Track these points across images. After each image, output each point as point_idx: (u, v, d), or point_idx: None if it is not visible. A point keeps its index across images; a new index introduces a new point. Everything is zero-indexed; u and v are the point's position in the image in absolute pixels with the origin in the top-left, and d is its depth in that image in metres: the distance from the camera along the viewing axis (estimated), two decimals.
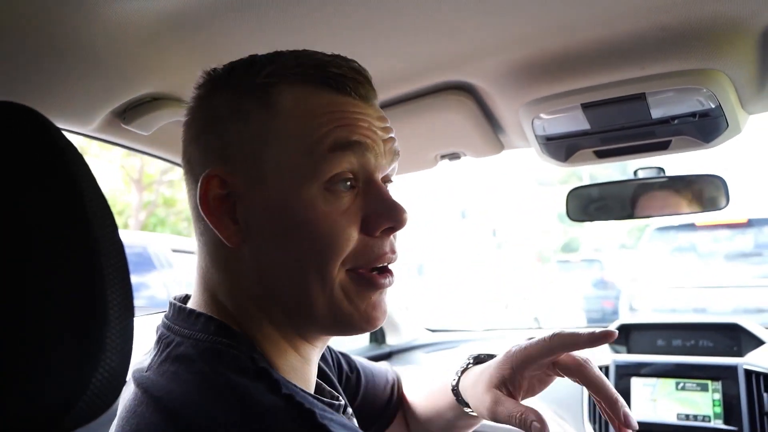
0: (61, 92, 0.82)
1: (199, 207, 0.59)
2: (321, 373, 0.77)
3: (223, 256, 0.61)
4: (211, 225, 0.59)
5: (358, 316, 0.60)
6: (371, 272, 0.61)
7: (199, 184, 0.59)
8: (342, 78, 0.60)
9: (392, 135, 0.64)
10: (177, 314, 0.62)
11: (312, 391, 0.66)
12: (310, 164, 0.58)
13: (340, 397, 0.70)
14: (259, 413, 0.51)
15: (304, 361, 0.64)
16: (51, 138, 0.45)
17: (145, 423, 0.52)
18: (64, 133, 0.49)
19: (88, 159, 0.49)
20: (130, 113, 0.90)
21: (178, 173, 9.92)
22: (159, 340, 0.61)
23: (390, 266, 0.63)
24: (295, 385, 0.57)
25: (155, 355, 0.59)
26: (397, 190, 0.68)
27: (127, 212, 10.54)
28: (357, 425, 0.65)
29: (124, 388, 0.57)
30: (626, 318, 1.72)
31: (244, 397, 0.52)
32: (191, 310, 0.61)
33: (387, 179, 0.65)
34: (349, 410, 0.74)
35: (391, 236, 0.62)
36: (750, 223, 5.87)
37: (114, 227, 0.47)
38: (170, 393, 0.53)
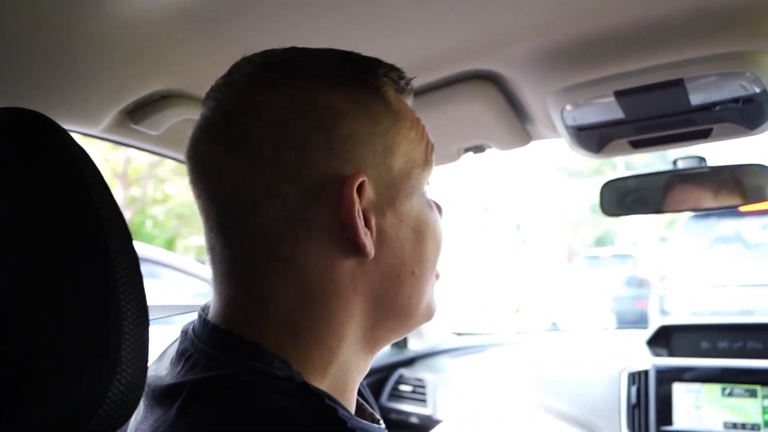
0: (69, 93, 0.82)
1: (345, 221, 0.52)
2: (362, 396, 0.75)
3: (335, 274, 0.54)
4: (357, 239, 0.53)
5: (434, 307, 0.66)
6: None
7: (344, 193, 0.52)
8: (406, 80, 0.61)
9: None
10: (211, 336, 0.54)
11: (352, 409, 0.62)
12: (424, 170, 0.61)
13: (381, 421, 0.67)
14: (278, 416, 0.46)
15: (354, 378, 0.59)
16: (62, 144, 0.46)
17: None
18: (73, 135, 0.49)
19: None
20: (139, 112, 0.90)
21: (168, 167, 9.46)
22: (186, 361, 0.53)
23: None
24: (335, 398, 0.51)
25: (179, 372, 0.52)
26: None
27: None
28: None
29: None
30: (659, 322, 1.67)
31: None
32: (236, 337, 0.52)
33: None
34: None
35: None
36: None
37: (126, 233, 0.47)
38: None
